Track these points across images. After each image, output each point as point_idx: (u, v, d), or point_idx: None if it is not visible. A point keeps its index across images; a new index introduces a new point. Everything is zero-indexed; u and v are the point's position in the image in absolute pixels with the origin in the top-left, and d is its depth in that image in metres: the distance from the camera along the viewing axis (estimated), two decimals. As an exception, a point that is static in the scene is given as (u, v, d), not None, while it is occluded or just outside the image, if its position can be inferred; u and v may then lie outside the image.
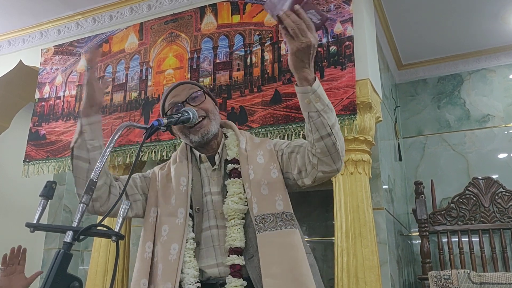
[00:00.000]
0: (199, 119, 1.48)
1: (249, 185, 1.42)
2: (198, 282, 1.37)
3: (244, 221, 1.41)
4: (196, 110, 1.47)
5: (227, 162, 1.51)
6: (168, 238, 1.41)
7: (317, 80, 1.30)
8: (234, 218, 1.40)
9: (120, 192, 1.40)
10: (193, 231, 1.44)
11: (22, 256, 2.19)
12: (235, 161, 1.49)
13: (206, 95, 1.56)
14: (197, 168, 1.54)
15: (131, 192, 1.54)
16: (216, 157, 1.52)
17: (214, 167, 1.52)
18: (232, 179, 1.46)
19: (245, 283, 1.34)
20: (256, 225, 1.37)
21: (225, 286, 1.34)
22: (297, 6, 1.16)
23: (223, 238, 1.41)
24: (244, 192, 1.43)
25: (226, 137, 1.57)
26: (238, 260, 1.36)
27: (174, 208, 1.45)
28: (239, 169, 1.47)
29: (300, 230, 1.42)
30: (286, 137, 2.53)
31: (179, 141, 2.83)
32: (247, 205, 1.42)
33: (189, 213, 1.44)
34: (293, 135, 2.51)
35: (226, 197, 1.44)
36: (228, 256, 1.37)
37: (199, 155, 1.54)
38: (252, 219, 1.39)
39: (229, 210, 1.41)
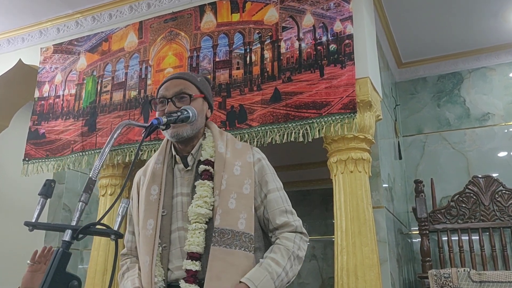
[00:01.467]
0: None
1: (219, 193, 1.41)
2: (162, 283, 1.40)
3: (206, 225, 1.40)
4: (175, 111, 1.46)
5: (200, 163, 1.49)
6: (142, 251, 1.46)
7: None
8: (196, 222, 1.39)
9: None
10: (160, 235, 1.43)
11: (49, 257, 2.20)
12: (207, 162, 1.47)
13: (192, 100, 1.51)
14: (171, 168, 1.54)
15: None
16: (189, 158, 1.52)
17: (188, 168, 1.51)
18: (201, 180, 1.45)
19: None
20: (213, 237, 1.36)
21: None
22: None
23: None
24: (212, 196, 1.42)
25: (204, 138, 1.55)
26: (192, 265, 1.35)
27: (144, 221, 1.46)
28: (210, 171, 1.45)
29: (261, 250, 1.45)
30: (285, 135, 2.52)
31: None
32: (212, 209, 1.41)
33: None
34: (293, 133, 2.50)
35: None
36: (186, 259, 1.37)
37: (174, 156, 1.54)
38: (212, 230, 1.38)
39: (192, 213, 1.40)
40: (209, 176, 1.45)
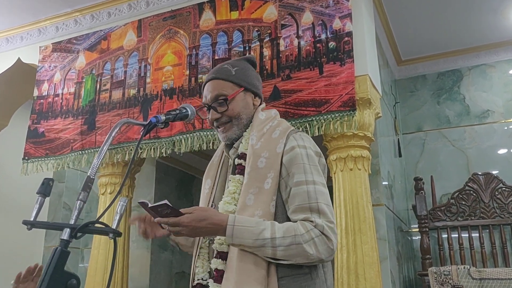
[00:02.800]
0: (223, 122, 1.46)
1: (242, 189, 1.37)
2: (200, 279, 1.38)
3: None
4: (220, 117, 1.45)
5: (237, 157, 1.45)
6: (192, 244, 1.51)
7: (227, 233, 1.25)
8: None
9: None
10: None
11: (37, 273, 2.18)
12: (242, 155, 1.42)
13: (231, 102, 1.45)
14: (226, 165, 1.53)
15: None
16: (232, 151, 1.49)
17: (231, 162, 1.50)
18: (232, 175, 1.42)
19: None
20: None
21: None
22: (156, 220, 1.28)
23: None
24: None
25: (246, 129, 1.50)
26: (221, 265, 1.31)
27: None
28: (243, 164, 1.40)
29: None
30: (285, 133, 2.52)
31: (178, 138, 2.82)
32: None
33: None
34: (292, 131, 2.50)
35: None
36: (214, 258, 1.33)
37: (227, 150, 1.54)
38: None
39: (221, 210, 1.37)
40: (242, 170, 1.40)
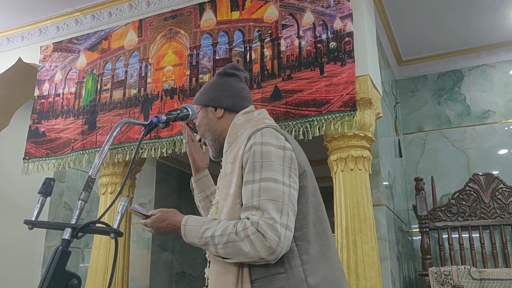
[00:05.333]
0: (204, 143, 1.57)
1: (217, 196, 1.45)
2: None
3: None
4: (199, 139, 1.59)
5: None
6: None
7: (182, 233, 1.32)
8: None
9: None
10: None
11: None
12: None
13: (195, 124, 1.55)
14: None
15: None
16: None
17: None
18: (215, 185, 1.51)
19: None
20: None
21: None
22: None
23: None
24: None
25: None
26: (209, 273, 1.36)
27: None
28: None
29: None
30: (286, 133, 2.52)
31: (178, 138, 2.82)
32: None
33: None
34: (293, 131, 2.50)
35: None
36: (206, 268, 1.39)
37: None
38: None
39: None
40: None
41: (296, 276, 1.22)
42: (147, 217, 1.37)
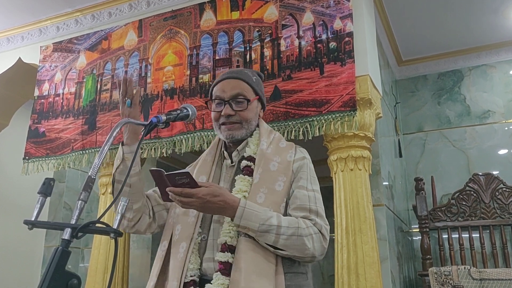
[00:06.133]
0: (233, 121, 1.50)
1: (251, 188, 1.42)
2: (194, 276, 1.37)
3: None
4: (233, 114, 1.50)
5: (243, 158, 1.50)
6: (179, 237, 1.43)
7: (237, 213, 1.31)
8: None
9: (150, 211, 1.54)
10: (201, 226, 1.44)
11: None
12: (250, 158, 1.48)
13: (249, 104, 1.53)
14: (221, 164, 1.57)
15: (156, 206, 1.57)
16: (234, 153, 1.54)
17: (232, 164, 1.53)
18: (241, 175, 1.46)
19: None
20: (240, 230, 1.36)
21: (211, 282, 1.31)
22: (168, 189, 1.31)
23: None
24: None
25: (251, 135, 1.56)
26: (231, 258, 1.33)
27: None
28: (252, 167, 1.46)
29: None
30: (285, 133, 2.52)
31: (178, 138, 2.82)
32: None
33: None
34: (293, 131, 2.50)
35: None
36: (221, 251, 1.35)
37: (223, 152, 1.57)
38: None
39: None
40: (250, 172, 1.46)
41: (310, 279, 1.42)
42: (191, 184, 1.26)
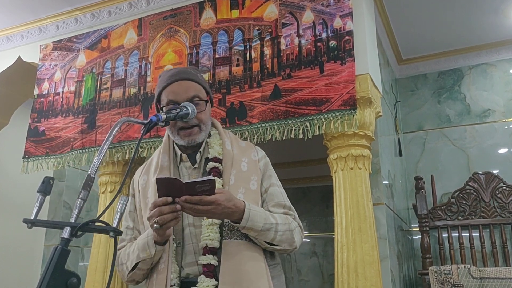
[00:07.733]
0: (191, 125, 1.47)
1: (228, 188, 1.42)
2: (174, 285, 1.37)
3: (220, 221, 1.40)
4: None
5: (207, 160, 1.49)
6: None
7: (245, 216, 1.33)
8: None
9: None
10: (173, 232, 1.41)
11: None
12: (216, 159, 1.48)
13: (206, 104, 1.52)
14: (177, 167, 1.53)
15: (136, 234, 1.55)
16: (198, 155, 1.52)
17: (195, 166, 1.51)
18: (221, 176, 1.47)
19: (216, 283, 1.32)
20: (224, 231, 1.38)
21: (196, 285, 1.33)
22: (182, 198, 1.23)
23: (199, 237, 1.39)
24: None
25: (209, 135, 1.55)
26: (213, 260, 1.35)
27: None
28: (219, 168, 1.46)
29: None
30: (285, 132, 2.52)
31: (178, 137, 2.82)
32: None
33: None
34: (293, 130, 2.50)
35: None
36: (203, 255, 1.36)
37: (180, 154, 1.53)
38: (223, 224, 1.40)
39: None
40: (218, 173, 1.45)
41: (281, 269, 1.53)
42: (210, 191, 1.22)
